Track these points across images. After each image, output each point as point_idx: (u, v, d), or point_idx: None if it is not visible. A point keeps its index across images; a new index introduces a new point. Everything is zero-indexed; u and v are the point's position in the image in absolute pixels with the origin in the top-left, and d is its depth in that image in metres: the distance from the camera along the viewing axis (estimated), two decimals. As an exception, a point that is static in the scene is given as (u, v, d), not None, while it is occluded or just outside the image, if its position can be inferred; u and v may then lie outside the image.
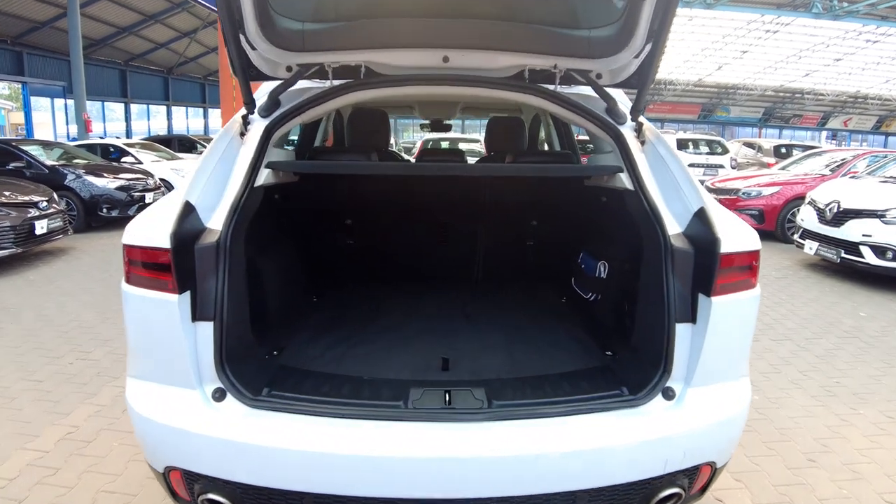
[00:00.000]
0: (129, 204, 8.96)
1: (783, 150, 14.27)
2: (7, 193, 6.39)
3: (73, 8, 14.54)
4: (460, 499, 1.56)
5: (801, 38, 31.89)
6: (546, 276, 3.20)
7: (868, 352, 4.15)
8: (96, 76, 23.81)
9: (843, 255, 6.13)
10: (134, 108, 27.76)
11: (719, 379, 1.72)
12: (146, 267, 1.60)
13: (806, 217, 6.91)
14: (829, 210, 6.41)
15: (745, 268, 1.71)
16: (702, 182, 8.65)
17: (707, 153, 13.25)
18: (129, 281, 1.64)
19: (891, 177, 6.89)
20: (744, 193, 8.96)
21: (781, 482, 2.52)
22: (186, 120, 32.04)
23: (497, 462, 1.54)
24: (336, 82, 2.07)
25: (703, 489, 1.80)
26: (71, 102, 21.11)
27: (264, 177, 2.01)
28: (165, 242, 1.55)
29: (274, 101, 2.08)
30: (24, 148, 8.89)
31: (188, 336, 1.61)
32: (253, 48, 2.02)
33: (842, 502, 2.40)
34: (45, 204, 6.67)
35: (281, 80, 2.11)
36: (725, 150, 13.61)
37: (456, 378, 1.97)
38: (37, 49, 21.19)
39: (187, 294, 1.61)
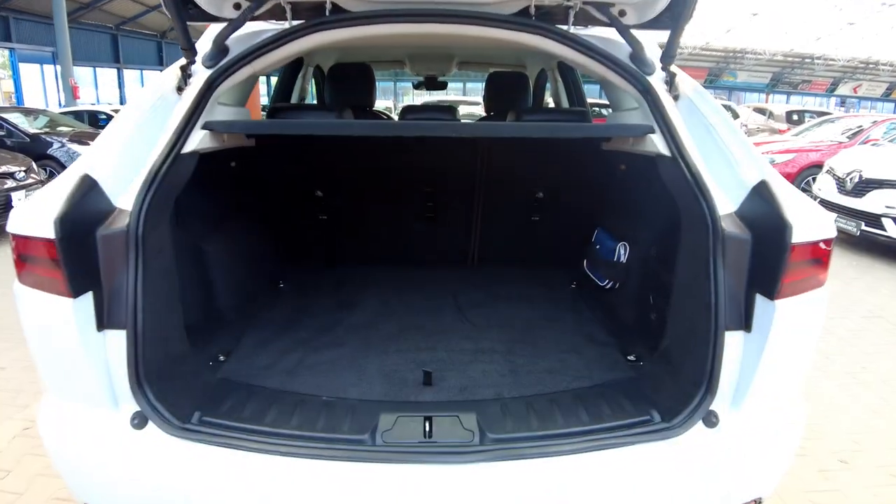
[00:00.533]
0: (115, 174, 8.61)
1: (795, 117, 13.77)
2: (-19, 164, 6.06)
3: (55, -33, 13.91)
4: None
5: (815, 0, 30.85)
6: (554, 259, 2.85)
7: (893, 332, 3.88)
8: (86, 41, 23.08)
9: (863, 227, 5.81)
10: (128, 74, 27.05)
11: (774, 401, 1.41)
12: (31, 261, 1.28)
13: (824, 187, 6.56)
14: (850, 180, 6.06)
15: (817, 261, 1.36)
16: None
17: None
18: (21, 279, 1.33)
19: (915, 144, 6.53)
20: (756, 162, 8.58)
21: (812, 488, 2.27)
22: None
23: None
24: (296, 22, 1.68)
25: None
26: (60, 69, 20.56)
27: (199, 140, 1.63)
28: (49, 231, 1.22)
29: (219, 47, 1.69)
30: (4, 116, 8.50)
31: (93, 348, 1.31)
32: None
33: (882, 511, 2.15)
34: (22, 174, 6.34)
35: (227, 20, 1.69)
36: (736, 116, 13.14)
37: (440, 398, 1.65)
38: (24, 14, 20.45)
39: (88, 296, 1.29)
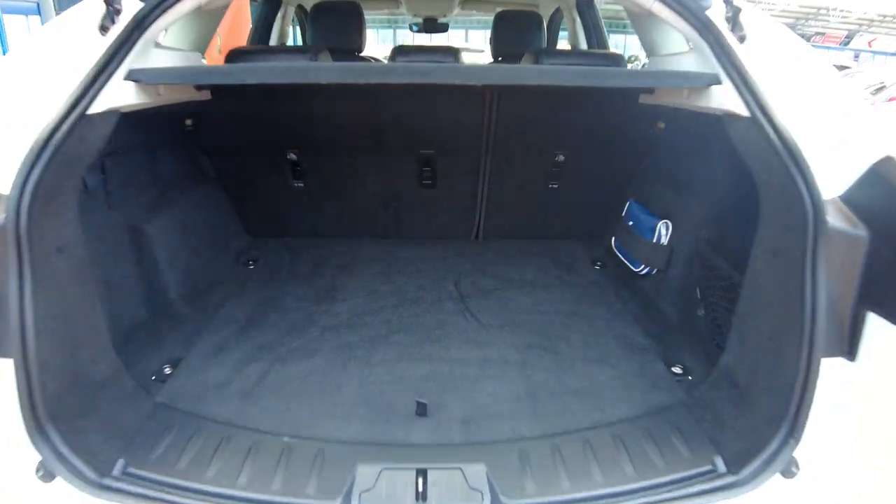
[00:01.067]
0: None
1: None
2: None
3: None
4: None
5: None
6: (575, 233, 2.50)
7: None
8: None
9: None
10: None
11: (876, 446, 1.10)
12: None
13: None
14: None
15: None
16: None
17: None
18: None
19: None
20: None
21: None
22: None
23: None
24: None
25: None
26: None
27: (120, 95, 1.28)
28: None
29: None
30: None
31: None
32: None
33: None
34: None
35: None
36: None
37: (438, 437, 1.33)
38: (3, -40, 19.46)
39: None
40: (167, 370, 1.56)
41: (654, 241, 1.97)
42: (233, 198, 2.34)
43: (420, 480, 1.07)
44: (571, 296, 2.04)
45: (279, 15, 3.15)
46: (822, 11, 40.79)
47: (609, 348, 1.70)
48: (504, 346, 1.71)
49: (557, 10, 3.56)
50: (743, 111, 1.26)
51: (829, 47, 43.18)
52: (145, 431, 1.25)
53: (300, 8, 3.36)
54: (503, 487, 1.07)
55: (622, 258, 2.23)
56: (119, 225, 1.59)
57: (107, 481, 1.05)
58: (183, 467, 1.14)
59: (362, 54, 3.52)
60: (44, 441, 1.03)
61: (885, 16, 40.62)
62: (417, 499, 1.04)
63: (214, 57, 4.24)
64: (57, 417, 1.06)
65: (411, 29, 4.63)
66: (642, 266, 2.07)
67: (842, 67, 12.17)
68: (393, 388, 1.51)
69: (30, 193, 1.03)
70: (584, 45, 3.36)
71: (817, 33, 43.74)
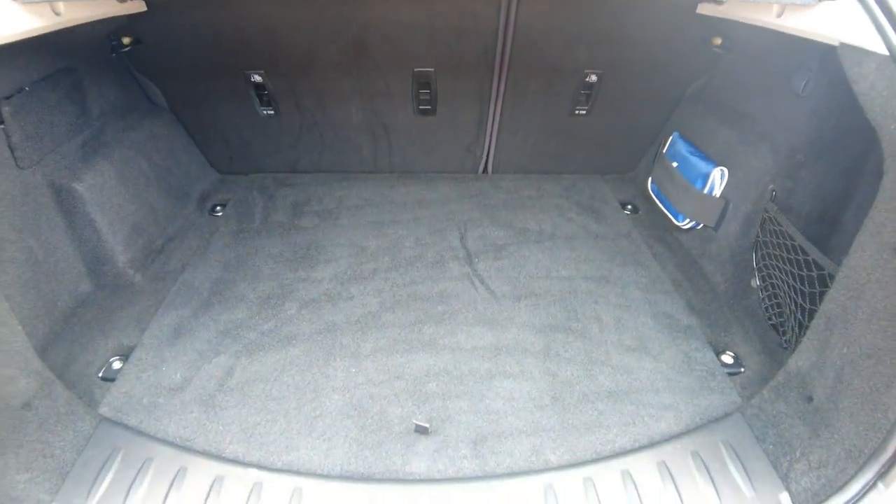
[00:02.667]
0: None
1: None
2: None
3: None
4: None
5: None
6: (601, 168, 2.09)
7: None
8: None
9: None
10: None
11: None
12: None
13: None
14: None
15: None
16: None
17: None
18: None
19: None
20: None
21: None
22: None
23: None
24: None
25: None
26: None
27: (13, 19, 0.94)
28: None
29: None
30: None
31: None
32: None
33: None
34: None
35: None
36: None
37: (442, 466, 1.05)
38: None
39: None
40: (116, 364, 1.30)
41: (706, 190, 1.59)
42: (192, 132, 1.94)
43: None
44: (600, 254, 1.70)
45: None
46: None
47: (648, 330, 1.40)
48: (522, 327, 1.41)
49: None
50: (874, 45, 0.88)
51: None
52: (83, 463, 1.00)
53: None
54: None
55: (660, 205, 1.86)
56: (37, 186, 1.24)
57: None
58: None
59: None
60: None
61: None
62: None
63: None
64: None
65: None
66: (687, 220, 1.71)
67: None
68: (386, 390, 1.23)
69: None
70: None
71: None
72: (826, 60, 1.14)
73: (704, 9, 1.52)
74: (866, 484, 0.83)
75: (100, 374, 1.28)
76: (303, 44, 1.80)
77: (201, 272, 1.61)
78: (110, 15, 1.35)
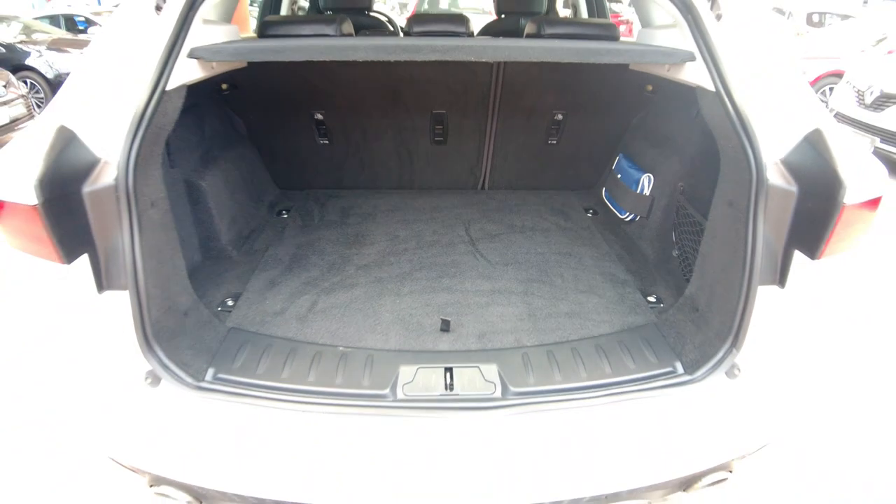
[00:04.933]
0: (100, 85, 8.24)
1: (816, 18, 12.97)
2: (-45, 79, 5.75)
3: None
4: None
5: None
6: (570, 184, 2.73)
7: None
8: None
9: (878, 143, 5.61)
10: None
11: (798, 356, 1.37)
12: (20, 229, 1.17)
13: (841, 98, 6.27)
14: (869, 93, 5.78)
15: (866, 219, 1.26)
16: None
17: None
18: (10, 244, 1.23)
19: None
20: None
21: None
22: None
23: (514, 466, 1.25)
24: None
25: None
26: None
27: (186, 71, 1.46)
28: (29, 196, 1.08)
29: None
30: (-26, 22, 7.99)
31: (96, 312, 1.25)
32: None
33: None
34: (1, 90, 6.03)
35: None
36: (788, 17, 12.39)
37: (459, 346, 1.60)
38: None
39: (84, 258, 1.20)
40: (230, 303, 1.79)
41: (638, 191, 2.20)
42: (263, 155, 2.54)
43: (447, 376, 1.36)
44: (566, 239, 2.29)
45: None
46: (833, -49, 39.42)
47: (596, 281, 1.96)
48: (509, 279, 1.98)
49: None
50: (710, 86, 1.46)
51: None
52: (224, 349, 1.50)
53: None
54: (510, 380, 1.36)
55: (611, 206, 2.45)
56: (179, 181, 1.78)
57: (203, 384, 1.30)
58: (261, 372, 1.40)
59: (372, 13, 3.63)
60: (152, 355, 1.27)
61: (896, -45, 39.25)
62: (446, 388, 1.33)
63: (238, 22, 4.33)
64: (159, 337, 1.30)
65: None
66: (627, 213, 2.31)
67: (845, 17, 11.99)
68: (420, 311, 1.77)
69: (133, 159, 1.24)
70: (583, 8, 3.50)
71: (826, -26, 42.40)
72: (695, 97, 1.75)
73: (634, 67, 2.17)
74: (727, 350, 1.35)
75: (218, 308, 1.77)
76: (355, 92, 2.45)
77: (281, 250, 2.16)
78: (233, 69, 1.96)
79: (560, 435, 1.26)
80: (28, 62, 7.76)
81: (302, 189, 2.68)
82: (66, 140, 1.17)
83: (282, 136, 2.54)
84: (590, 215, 2.50)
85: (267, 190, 2.48)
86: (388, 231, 2.33)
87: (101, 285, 1.23)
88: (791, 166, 1.27)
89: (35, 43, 8.12)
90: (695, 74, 1.52)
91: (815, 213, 1.21)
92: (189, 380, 1.28)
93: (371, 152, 2.69)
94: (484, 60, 1.69)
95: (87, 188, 1.18)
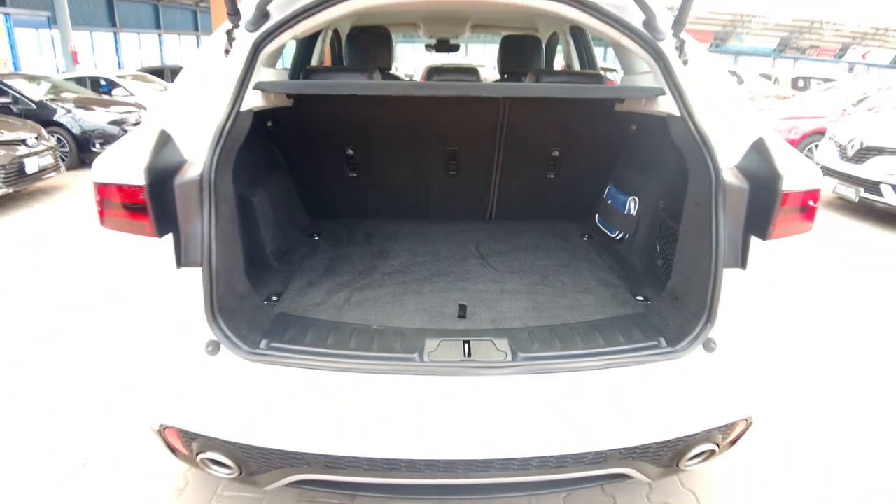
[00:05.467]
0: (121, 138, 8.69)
1: (801, 83, 13.68)
2: (-7, 130, 6.14)
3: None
4: (481, 460, 1.47)
5: (824, -39, 30.14)
6: (567, 213, 2.99)
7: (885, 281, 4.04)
8: (82, 4, 22.71)
9: (862, 193, 5.91)
10: (124, 39, 26.68)
11: (767, 331, 1.58)
12: (118, 208, 1.42)
13: (825, 153, 6.63)
14: (851, 146, 6.13)
15: (804, 209, 1.52)
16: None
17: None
18: (104, 223, 1.47)
19: (918, 111, 6.57)
20: (759, 129, 8.62)
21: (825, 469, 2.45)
22: (179, 50, 30.84)
23: (522, 420, 1.43)
24: None
25: (734, 442, 1.70)
26: (57, 34, 20.33)
27: (253, 100, 1.77)
28: (139, 179, 1.36)
29: (262, 12, 1.76)
30: (9, 83, 8.50)
31: (173, 284, 1.46)
32: None
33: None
34: (33, 141, 6.41)
35: None
36: (741, 81, 13.07)
37: (475, 327, 1.82)
38: (18, -25, 20.10)
39: (169, 237, 1.44)
40: (274, 298, 2.01)
41: (626, 212, 2.48)
42: (298, 185, 2.82)
43: (466, 346, 1.54)
44: (564, 255, 2.54)
45: (319, 38, 3.62)
46: (816, 25, 41.55)
47: (591, 285, 2.19)
48: (515, 283, 2.21)
49: (554, 34, 4.07)
50: (677, 113, 1.75)
51: (823, 60, 43.89)
52: (274, 327, 1.71)
53: (335, 33, 3.85)
54: (519, 349, 1.54)
55: (603, 229, 2.71)
56: (234, 195, 2.04)
57: (257, 351, 1.48)
58: (308, 342, 1.60)
59: (392, 72, 4.00)
60: (216, 325, 1.46)
61: (877, 28, 41.41)
62: (465, 356, 1.51)
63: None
64: (222, 311, 1.49)
65: (427, 48, 5.18)
66: (618, 232, 2.58)
67: (827, 80, 12.66)
68: (440, 304, 2.00)
69: (215, 161, 1.49)
70: (577, 64, 3.89)
71: (812, 46, 44.48)
72: (667, 126, 2.02)
73: (618, 108, 2.48)
74: (702, 326, 1.53)
75: (265, 301, 1.96)
76: (382, 130, 2.76)
77: (315, 261, 2.38)
78: (276, 106, 2.23)
79: (560, 394, 1.44)
80: (56, 118, 8.23)
81: (330, 217, 2.93)
82: (164, 141, 1.44)
83: (316, 169, 2.83)
84: (585, 239, 2.75)
85: (300, 216, 2.73)
86: (409, 248, 2.57)
87: (180, 262, 1.45)
88: (742, 169, 1.55)
89: (63, 101, 8.62)
90: (665, 105, 1.84)
91: (763, 202, 1.47)
92: (246, 348, 1.46)
93: (393, 184, 2.98)
94: (494, 96, 1.95)
95: (177, 181, 1.44)
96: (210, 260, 1.46)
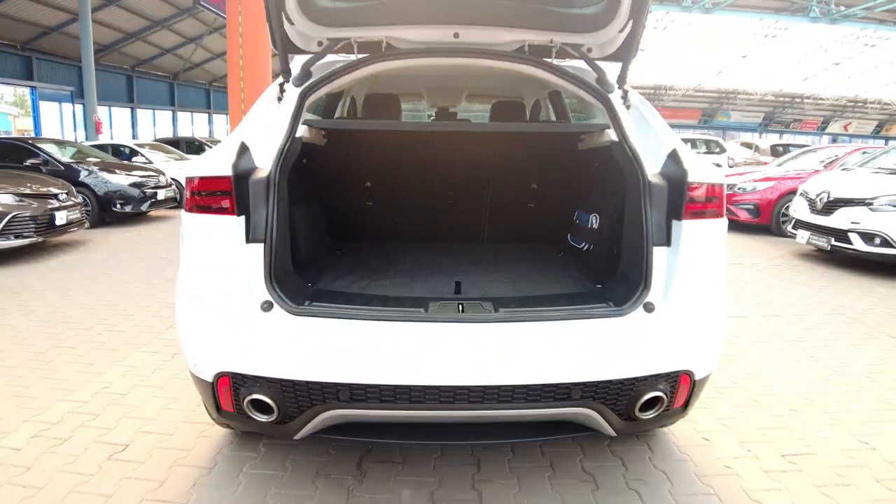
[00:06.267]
0: (141, 200, 9.24)
1: (779, 150, 14.51)
2: (30, 185, 6.65)
3: (84, 13, 14.86)
4: (472, 386, 1.83)
5: (800, 42, 32.18)
6: (545, 235, 3.49)
7: (853, 326, 4.37)
8: (104, 81, 24.06)
9: (833, 242, 6.35)
10: (140, 113, 28.10)
11: (694, 296, 1.96)
12: (208, 194, 1.87)
13: (798, 208, 7.13)
14: (820, 200, 6.63)
15: (712, 198, 1.97)
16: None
17: (705, 152, 13.49)
18: (190, 209, 1.91)
19: (880, 167, 7.11)
20: (739, 189, 9.18)
21: (764, 426, 2.74)
22: (192, 126, 32.37)
23: (503, 354, 1.81)
24: (361, 55, 2.38)
25: (686, 405, 2.03)
26: (79, 108, 21.63)
27: (302, 131, 2.30)
28: (228, 171, 1.86)
29: (306, 71, 2.39)
30: (41, 146, 9.16)
31: (241, 254, 1.88)
32: (291, 23, 2.33)
33: (820, 441, 2.61)
34: (64, 196, 6.93)
35: (313, 53, 2.44)
36: (723, 150, 13.89)
37: (468, 296, 2.24)
38: (46, 54, 21.54)
39: (243, 218, 1.89)
40: (309, 284, 2.39)
41: (589, 227, 2.94)
42: (327, 208, 3.30)
43: (460, 306, 1.95)
44: (543, 262, 2.98)
45: (340, 103, 4.25)
46: (797, 100, 43.64)
47: (562, 278, 2.62)
48: (501, 277, 2.63)
49: (537, 101, 4.71)
50: (617, 139, 2.28)
51: (807, 133, 45.70)
52: (314, 295, 2.11)
53: (352, 100, 4.49)
54: (499, 306, 1.94)
55: (574, 244, 3.15)
56: (287, 195, 2.49)
57: (302, 308, 1.86)
58: (342, 302, 1.98)
59: None
60: (271, 288, 1.86)
61: (855, 101, 43.49)
62: (459, 311, 1.92)
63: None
64: (275, 280, 1.90)
65: (429, 118, 5.85)
66: (584, 244, 3.03)
67: (802, 146, 13.45)
68: (441, 285, 2.42)
69: (279, 168, 1.99)
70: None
71: (795, 120, 46.44)
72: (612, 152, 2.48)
73: (581, 146, 2.98)
74: (641, 292, 1.93)
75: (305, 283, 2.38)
76: (397, 168, 3.30)
77: (340, 266, 2.78)
78: (313, 143, 2.70)
79: (531, 339, 1.83)
80: (81, 178, 8.80)
81: (349, 239, 3.38)
82: (244, 150, 1.95)
83: (339, 198, 3.33)
84: (561, 255, 3.18)
85: (325, 235, 3.17)
86: (416, 258, 3.04)
87: (248, 239, 1.90)
88: (662, 173, 2.05)
89: (87, 164, 9.24)
90: (611, 137, 2.38)
91: (677, 193, 1.95)
92: (293, 306, 1.86)
93: (403, 211, 3.50)
94: (477, 133, 2.79)
95: (252, 178, 1.93)
96: (271, 238, 1.91)
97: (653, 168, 2.08)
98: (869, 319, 4.55)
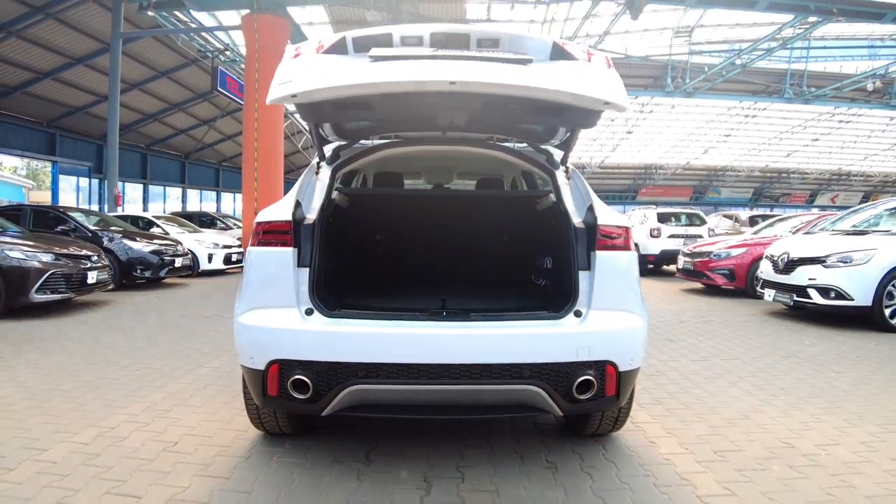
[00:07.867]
0: (160, 267, 9.94)
1: (757, 220, 15.37)
2: (65, 247, 7.37)
3: (113, 96, 16.23)
4: (453, 364, 2.46)
5: (779, 120, 34.06)
6: (513, 281, 4.20)
7: (802, 365, 4.93)
8: (120, 158, 25.49)
9: (794, 298, 6.97)
10: (152, 189, 29.43)
11: (610, 307, 2.65)
12: (272, 233, 2.61)
13: (764, 269, 7.81)
14: (781, 260, 7.32)
15: (618, 236, 2.71)
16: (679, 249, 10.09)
17: (686, 224, 14.33)
18: (256, 244, 2.64)
19: (835, 230, 7.84)
20: (715, 255, 9.90)
21: (704, 433, 3.28)
22: (200, 203, 33.72)
23: (474, 342, 2.48)
24: (377, 142, 3.33)
25: (617, 394, 2.61)
26: (95, 182, 22.89)
27: (335, 194, 3.08)
28: (289, 217, 2.62)
29: (336, 155, 3.26)
30: (71, 214, 9.98)
31: (295, 275, 2.58)
32: (325, 136, 3.33)
33: (748, 443, 3.14)
34: (95, 258, 7.62)
35: (342, 141, 3.40)
36: (703, 222, 14.70)
37: (450, 308, 2.87)
38: (68, 131, 22.96)
39: (296, 250, 2.61)
40: (337, 299, 2.99)
41: (545, 267, 3.60)
42: (347, 251, 3.97)
43: (444, 312, 2.61)
44: (509, 292, 3.66)
45: (354, 180, 5.09)
46: (784, 175, 45.43)
47: (521, 301, 3.27)
48: (477, 301, 3.23)
49: (514, 179, 5.60)
50: (555, 200, 3.03)
51: (796, 206, 47.10)
52: (341, 304, 2.74)
53: (363, 177, 5.36)
54: (472, 314, 2.58)
55: (534, 282, 3.80)
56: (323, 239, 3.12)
57: (333, 313, 2.53)
58: (360, 309, 2.64)
59: None
60: (314, 298, 2.54)
61: (839, 175, 45.24)
62: (443, 315, 2.58)
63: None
64: (316, 293, 2.56)
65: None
66: (542, 280, 3.67)
67: (777, 216, 14.31)
68: (432, 300, 3.04)
69: (321, 219, 2.72)
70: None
71: (784, 194, 48.05)
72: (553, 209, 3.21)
73: (539, 207, 3.69)
74: (571, 302, 2.60)
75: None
76: (403, 225, 4.07)
77: (360, 287, 3.47)
78: (342, 204, 3.46)
79: (493, 335, 2.52)
80: (106, 244, 9.53)
81: (364, 272, 4.14)
82: (297, 204, 2.69)
83: (357, 244, 4.08)
84: (525, 289, 3.86)
85: (347, 267, 3.89)
86: (413, 284, 3.77)
87: (298, 264, 2.61)
88: (583, 220, 2.79)
89: (111, 232, 10.01)
90: (552, 199, 3.16)
91: (592, 233, 2.68)
92: (328, 311, 2.56)
93: (404, 256, 4.26)
94: (463, 198, 3.73)
95: (303, 224, 2.67)
96: (314, 264, 2.63)
97: (578, 218, 2.85)
98: (819, 360, 5.10)
